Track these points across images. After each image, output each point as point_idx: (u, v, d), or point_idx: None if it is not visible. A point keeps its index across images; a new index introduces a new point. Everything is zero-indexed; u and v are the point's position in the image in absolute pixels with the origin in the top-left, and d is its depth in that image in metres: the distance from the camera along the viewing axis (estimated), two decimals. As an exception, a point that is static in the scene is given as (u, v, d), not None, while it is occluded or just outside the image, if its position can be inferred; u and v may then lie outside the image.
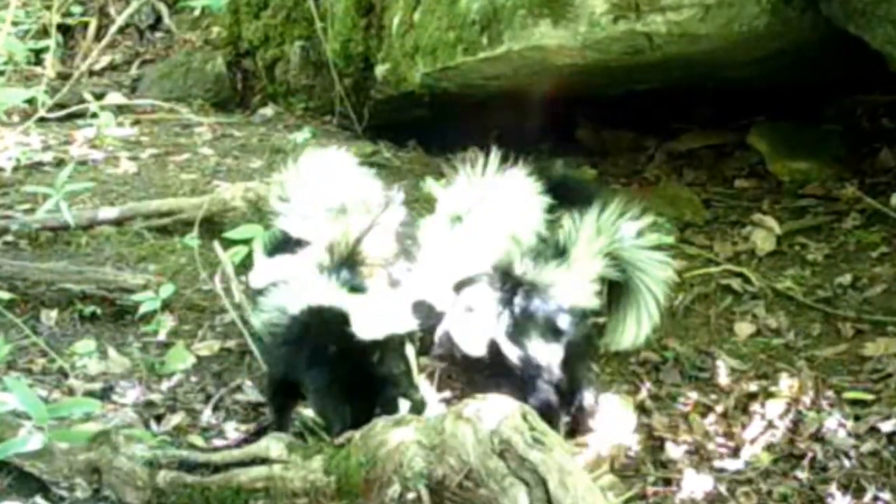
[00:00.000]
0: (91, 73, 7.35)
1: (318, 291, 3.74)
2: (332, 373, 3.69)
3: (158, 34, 7.88)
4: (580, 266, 3.98)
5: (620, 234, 4.04)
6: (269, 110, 6.83)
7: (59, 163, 5.65)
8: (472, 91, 5.84)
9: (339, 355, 3.66)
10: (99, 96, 6.45)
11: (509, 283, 3.92)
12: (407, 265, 4.14)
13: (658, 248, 4.10)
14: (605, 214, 4.05)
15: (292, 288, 3.83)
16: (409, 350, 3.69)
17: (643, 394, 4.22)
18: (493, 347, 3.87)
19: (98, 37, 7.48)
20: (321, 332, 3.70)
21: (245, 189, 5.08)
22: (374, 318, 3.66)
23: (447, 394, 4.12)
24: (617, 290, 4.10)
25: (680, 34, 4.68)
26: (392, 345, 3.65)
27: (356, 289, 3.79)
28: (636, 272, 4.05)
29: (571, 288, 3.93)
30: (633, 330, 4.09)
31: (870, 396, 4.13)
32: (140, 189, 5.50)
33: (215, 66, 7.10)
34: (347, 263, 3.89)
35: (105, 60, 7.57)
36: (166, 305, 4.54)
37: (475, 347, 3.88)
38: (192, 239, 4.87)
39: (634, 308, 4.07)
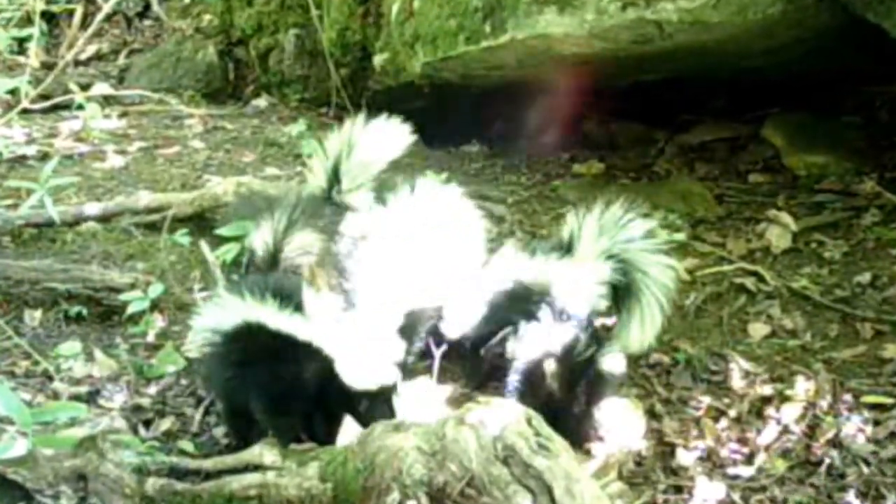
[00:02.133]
0: (77, 63, 7.35)
1: (250, 307, 3.66)
2: (280, 389, 3.64)
3: (147, 22, 7.87)
4: (586, 266, 4.00)
5: (624, 236, 4.07)
6: (262, 101, 6.83)
7: (44, 156, 5.65)
8: (474, 82, 5.84)
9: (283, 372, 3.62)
10: (85, 87, 6.47)
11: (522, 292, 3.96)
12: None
13: (663, 250, 4.12)
14: (607, 215, 4.08)
15: (223, 303, 3.78)
16: (396, 401, 3.67)
17: (653, 397, 4.22)
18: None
19: (84, 25, 7.46)
20: (258, 350, 3.65)
21: (237, 184, 5.08)
22: (360, 367, 3.60)
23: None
24: (621, 293, 4.15)
25: (691, 22, 4.68)
26: (382, 396, 3.62)
27: (286, 300, 3.68)
28: (639, 274, 4.08)
29: (577, 290, 3.95)
30: (638, 334, 4.15)
31: (889, 400, 4.12)
32: (128, 184, 5.50)
33: (206, 56, 7.10)
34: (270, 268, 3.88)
35: (91, 49, 7.56)
36: (155, 305, 4.54)
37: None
38: (182, 236, 4.87)
39: (638, 311, 4.12)
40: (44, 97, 5.84)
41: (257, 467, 3.43)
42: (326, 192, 4.47)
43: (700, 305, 4.70)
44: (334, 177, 4.47)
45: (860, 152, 5.68)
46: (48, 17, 7.62)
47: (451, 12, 5.35)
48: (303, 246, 4.02)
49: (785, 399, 4.15)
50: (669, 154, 6.13)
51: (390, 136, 4.57)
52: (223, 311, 3.75)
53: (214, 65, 7.08)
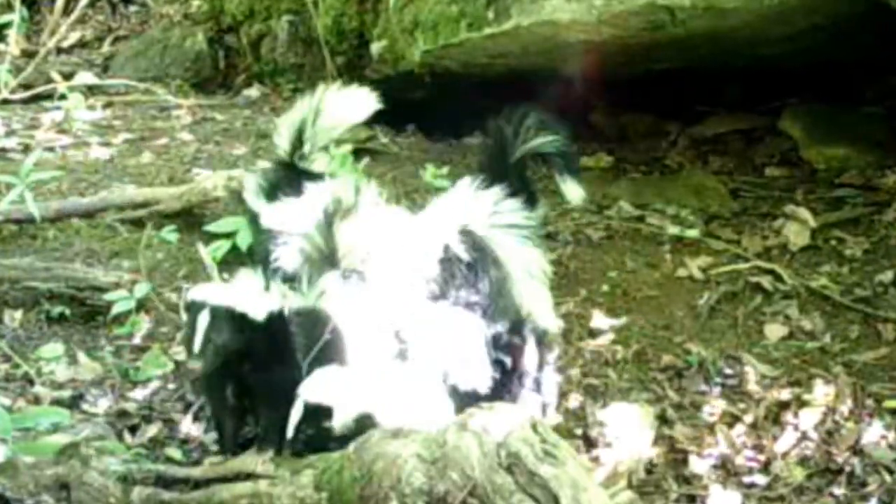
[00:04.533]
0: (59, 51, 7.35)
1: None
2: None
3: (133, 8, 7.89)
4: (420, 238, 4.04)
5: (476, 212, 4.09)
6: (254, 91, 6.84)
7: (25, 149, 5.65)
8: (476, 71, 5.84)
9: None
10: (68, 76, 6.48)
11: None
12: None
13: (518, 228, 4.11)
14: (465, 191, 4.11)
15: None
16: None
17: (664, 402, 4.22)
18: None
19: (67, 11, 7.46)
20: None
21: (228, 178, 5.08)
22: None
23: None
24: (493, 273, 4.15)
25: (705, 8, 4.68)
26: None
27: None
28: (498, 253, 4.09)
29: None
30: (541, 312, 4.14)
31: (913, 405, 4.13)
32: (113, 178, 5.50)
33: (195, 43, 7.11)
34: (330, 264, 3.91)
35: (74, 37, 7.57)
36: (141, 306, 4.54)
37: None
38: (170, 232, 4.87)
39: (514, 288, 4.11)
40: (25, 87, 5.86)
41: (249, 476, 3.44)
42: (289, 156, 4.50)
43: (714, 305, 4.70)
44: (298, 142, 4.50)
45: (882, 145, 5.67)
46: (29, 2, 7.62)
47: (453, -3, 5.35)
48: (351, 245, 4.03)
49: (803, 404, 4.15)
50: (682, 147, 6.12)
51: (356, 101, 4.65)
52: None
53: (204, 53, 7.08)
